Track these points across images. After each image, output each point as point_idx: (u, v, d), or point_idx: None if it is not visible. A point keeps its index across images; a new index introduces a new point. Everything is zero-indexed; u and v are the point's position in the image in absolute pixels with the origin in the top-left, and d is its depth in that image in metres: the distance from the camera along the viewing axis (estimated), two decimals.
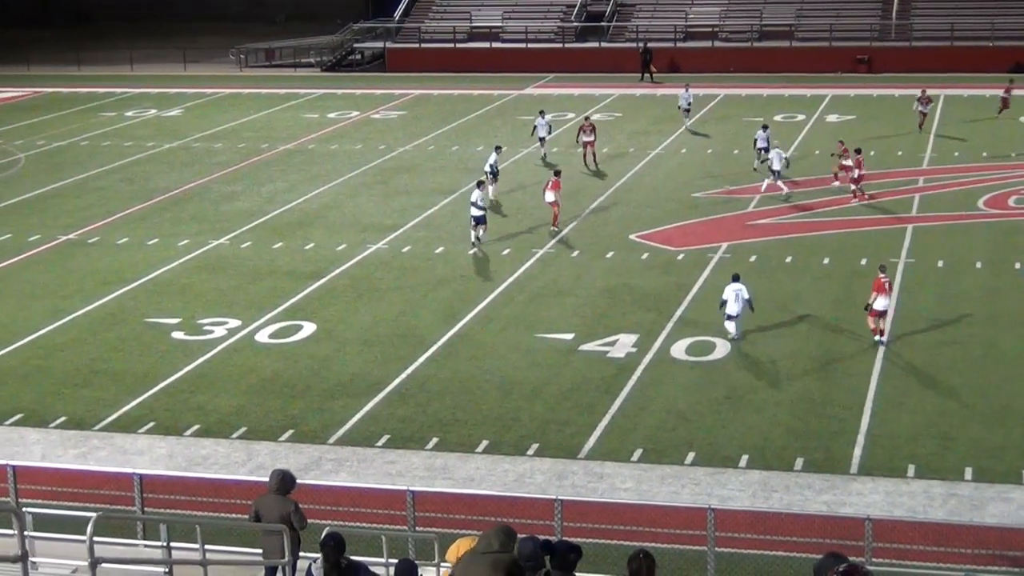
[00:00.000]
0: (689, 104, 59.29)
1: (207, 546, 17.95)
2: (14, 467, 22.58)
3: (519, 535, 12.03)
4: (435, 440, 26.54)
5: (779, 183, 44.90)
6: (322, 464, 25.58)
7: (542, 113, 53.65)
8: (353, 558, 14.78)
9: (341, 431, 27.13)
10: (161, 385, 29.87)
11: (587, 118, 53.70)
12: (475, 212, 39.85)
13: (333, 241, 41.16)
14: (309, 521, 17.93)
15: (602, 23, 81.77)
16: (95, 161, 55.25)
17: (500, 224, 42.63)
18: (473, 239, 40.05)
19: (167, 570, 18.96)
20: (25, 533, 15.06)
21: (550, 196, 41.70)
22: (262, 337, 32.86)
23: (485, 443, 26.35)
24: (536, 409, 28.01)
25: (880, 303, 30.75)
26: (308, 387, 29.56)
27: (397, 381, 29.74)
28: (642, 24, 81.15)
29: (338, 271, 38.15)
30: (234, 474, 24.64)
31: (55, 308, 35.31)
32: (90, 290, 36.88)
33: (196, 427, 27.51)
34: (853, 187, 44.12)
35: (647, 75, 73.96)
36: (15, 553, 13.80)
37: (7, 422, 27.97)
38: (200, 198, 47.74)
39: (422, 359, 31.11)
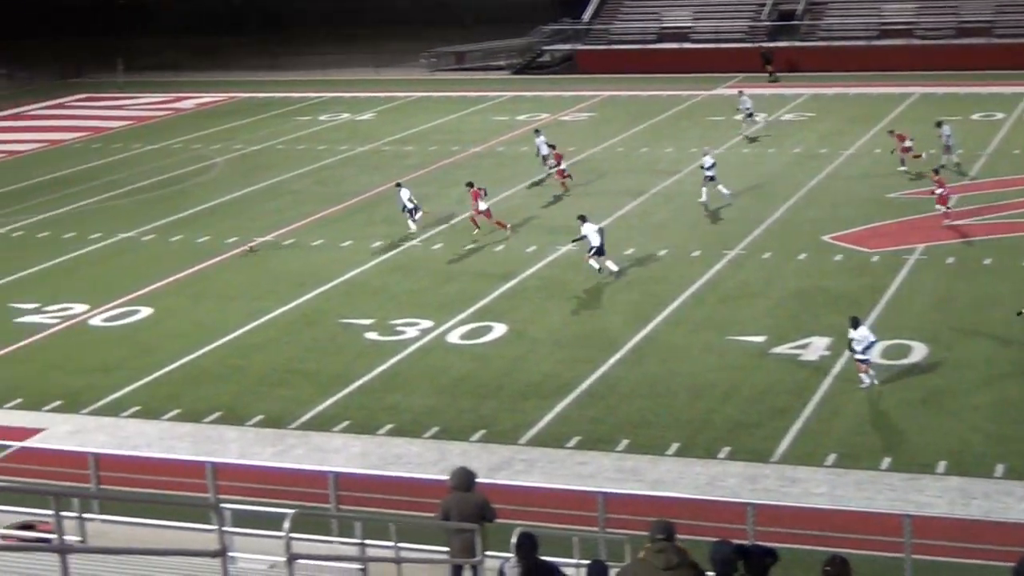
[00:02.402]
0: (748, 109, 57.60)
1: (400, 544, 18.11)
2: (213, 464, 23.07)
3: (714, 539, 11.92)
4: (625, 442, 26.45)
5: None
6: (513, 464, 25.65)
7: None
8: (544, 558, 14.76)
9: (532, 432, 27.20)
10: (355, 385, 30.28)
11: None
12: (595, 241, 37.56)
13: (523, 243, 41.29)
14: (500, 521, 17.99)
15: (794, 22, 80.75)
16: (289, 164, 56.28)
17: (690, 226, 42.36)
18: (597, 267, 37.72)
19: (362, 567, 19.18)
20: (224, 529, 15.37)
21: (481, 205, 42.06)
22: (453, 338, 33.10)
23: (676, 445, 26.18)
24: (727, 412, 27.75)
25: None
26: (499, 388, 29.70)
27: (587, 382, 29.71)
28: (835, 22, 79.96)
29: (528, 272, 38.27)
30: (427, 473, 24.82)
31: (252, 309, 36.02)
32: (285, 292, 37.54)
33: (389, 426, 27.81)
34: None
35: (770, 75, 73.10)
36: (215, 548, 14.08)
37: (206, 420, 28.61)
38: (392, 200, 48.15)
39: (612, 360, 31.04)
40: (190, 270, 40.27)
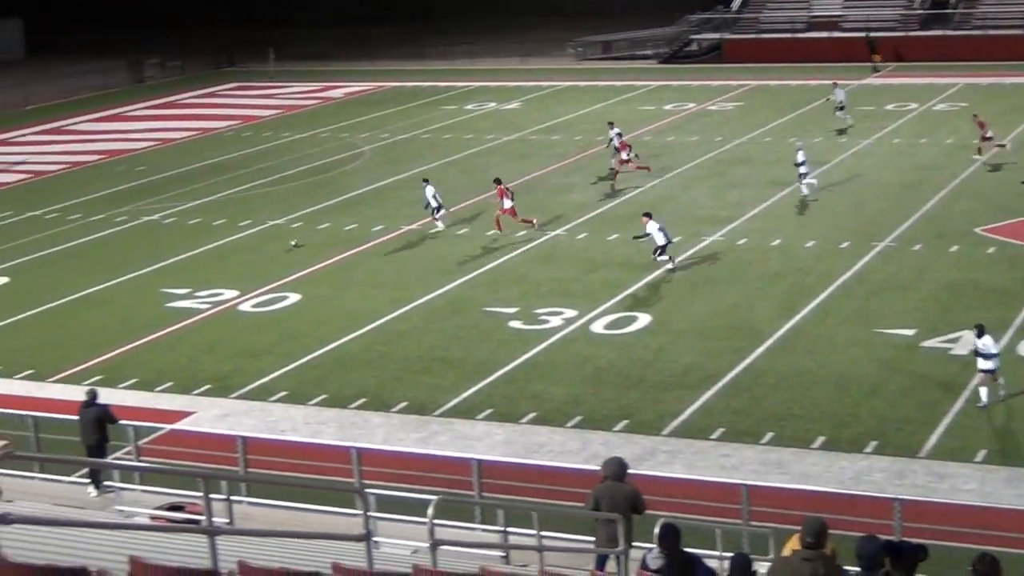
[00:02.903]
0: (841, 103, 56.77)
1: (543, 532, 18.12)
2: (358, 449, 23.31)
3: (861, 534, 11.73)
4: (770, 435, 26.18)
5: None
6: (656, 455, 25.53)
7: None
8: (687, 550, 14.67)
9: (675, 423, 27.05)
10: (499, 373, 30.36)
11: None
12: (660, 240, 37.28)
13: (669, 233, 41.02)
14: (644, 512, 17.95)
15: (947, 10, 79.28)
16: (436, 153, 56.62)
17: (838, 217, 41.84)
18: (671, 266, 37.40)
19: (504, 554, 19.23)
20: (369, 513, 15.50)
21: (506, 203, 41.83)
22: (597, 327, 33.04)
23: (821, 439, 25.85)
24: (875, 405, 27.33)
25: None
26: (642, 378, 29.57)
27: (732, 374, 29.46)
28: (989, 10, 78.35)
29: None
30: (569, 462, 24.80)
31: (398, 296, 36.28)
32: (430, 280, 37.77)
33: (532, 415, 27.84)
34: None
35: (874, 65, 71.82)
36: (360, 532, 14.19)
37: (351, 406, 28.88)
38: (537, 189, 48.32)
39: (757, 352, 30.75)
40: (337, 257, 40.70)
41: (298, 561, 13.79)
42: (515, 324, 33.59)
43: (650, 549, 14.66)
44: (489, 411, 28.19)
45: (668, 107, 65.19)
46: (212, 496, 12.97)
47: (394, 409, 28.57)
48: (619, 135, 50.26)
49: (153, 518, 21.39)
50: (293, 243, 42.19)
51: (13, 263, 41.84)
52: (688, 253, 38.80)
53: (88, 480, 23.99)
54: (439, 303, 35.82)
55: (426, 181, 43.93)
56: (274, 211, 46.95)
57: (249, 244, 43.04)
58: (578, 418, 27.53)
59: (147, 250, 42.64)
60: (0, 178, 57.03)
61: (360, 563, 13.17)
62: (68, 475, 24.57)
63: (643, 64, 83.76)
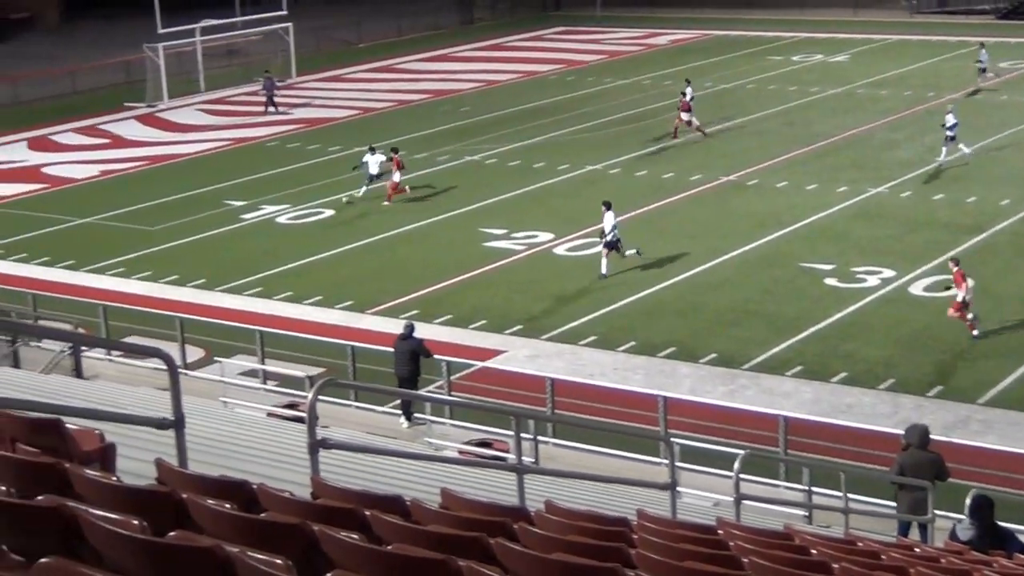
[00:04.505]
0: (983, 64, 57.87)
1: (849, 494, 17.85)
2: (664, 398, 23.36)
3: None
4: None
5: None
6: (969, 424, 24.77)
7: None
8: (1001, 524, 14.23)
9: (992, 392, 26.17)
10: (811, 330, 29.90)
11: None
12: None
13: (996, 195, 39.70)
14: (952, 481, 17.54)
15: None
16: (758, 104, 55.97)
17: None
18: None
19: (807, 514, 19.03)
20: (675, 463, 15.51)
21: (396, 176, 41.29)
22: (916, 289, 32.20)
23: None
24: None
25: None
26: (959, 344, 28.70)
27: None
28: None
29: (999, 227, 36.78)
30: (878, 425, 24.28)
31: (712, 248, 36.06)
32: (746, 232, 37.41)
33: (843, 375, 27.34)
34: None
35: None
36: (665, 481, 14.22)
37: (660, 354, 28.87)
38: (861, 145, 47.30)
39: None
40: (653, 205, 40.69)
41: (602, 505, 13.91)
42: (831, 281, 33.00)
43: (960, 520, 14.28)
44: (799, 368, 27.81)
45: (1004, 64, 62.67)
46: (521, 435, 13.18)
47: (702, 360, 28.45)
48: (684, 95, 50.64)
49: (461, 452, 21.91)
50: (346, 199, 42.44)
51: (335, 197, 43.15)
52: (1016, 217, 37.43)
53: (400, 411, 24.71)
54: (753, 256, 35.46)
55: (372, 150, 43.21)
56: (593, 156, 47.21)
57: (566, 188, 43.40)
58: (890, 381, 26.90)
59: (467, 190, 43.46)
60: (331, 113, 58.90)
61: (663, 511, 13.21)
62: (381, 405, 25.34)
63: (979, 19, 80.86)
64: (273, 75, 60.91)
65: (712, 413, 24.53)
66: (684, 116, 49.16)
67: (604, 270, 33.88)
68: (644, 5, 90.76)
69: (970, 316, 28.75)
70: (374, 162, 42.39)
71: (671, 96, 58.01)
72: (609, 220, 34.07)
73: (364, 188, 42.47)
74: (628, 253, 34.29)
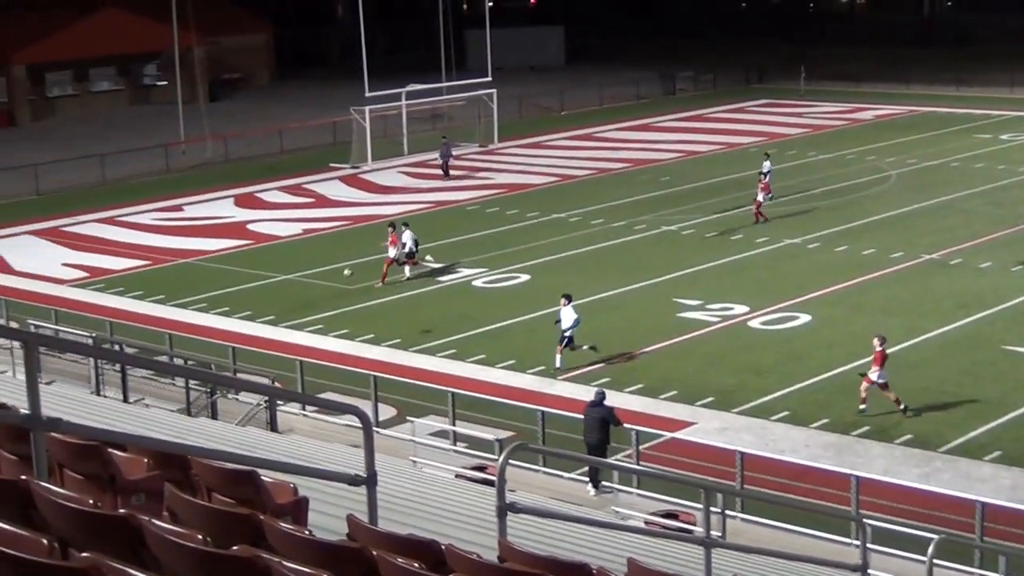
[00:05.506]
0: None
1: None
2: (857, 477, 22.92)
3: None
4: None
5: None
6: None
7: None
8: None
9: None
10: (1012, 415, 29.09)
11: None
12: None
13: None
14: None
15: None
16: (963, 182, 54.92)
17: None
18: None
19: None
20: (866, 544, 15.20)
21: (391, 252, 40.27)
22: None
23: None
24: None
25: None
26: None
27: None
28: None
29: None
30: None
31: (911, 326, 35.40)
32: (947, 311, 36.66)
33: None
34: None
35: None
36: (855, 563, 13.95)
37: (853, 433, 28.33)
38: None
39: None
40: (852, 281, 40.12)
41: None
42: None
43: None
44: (997, 453, 27.05)
45: None
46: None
47: (897, 440, 27.87)
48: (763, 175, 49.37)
49: (647, 523, 21.78)
50: (348, 272, 42.10)
51: (535, 262, 43.45)
52: None
53: (587, 479, 24.66)
54: (955, 336, 34.71)
55: (406, 225, 42.65)
56: (793, 229, 46.78)
57: (764, 261, 43.05)
58: None
59: (663, 259, 43.39)
60: (530, 180, 59.39)
61: None
62: (568, 471, 25.33)
63: None
64: (450, 141, 61.63)
65: (905, 495, 23.97)
66: (760, 197, 48.21)
67: (558, 363, 32.75)
68: (849, 79, 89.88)
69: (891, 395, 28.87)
70: (408, 238, 42.27)
71: (875, 172, 57.36)
72: (568, 315, 32.82)
73: (408, 269, 42.29)
74: (584, 348, 33.14)
